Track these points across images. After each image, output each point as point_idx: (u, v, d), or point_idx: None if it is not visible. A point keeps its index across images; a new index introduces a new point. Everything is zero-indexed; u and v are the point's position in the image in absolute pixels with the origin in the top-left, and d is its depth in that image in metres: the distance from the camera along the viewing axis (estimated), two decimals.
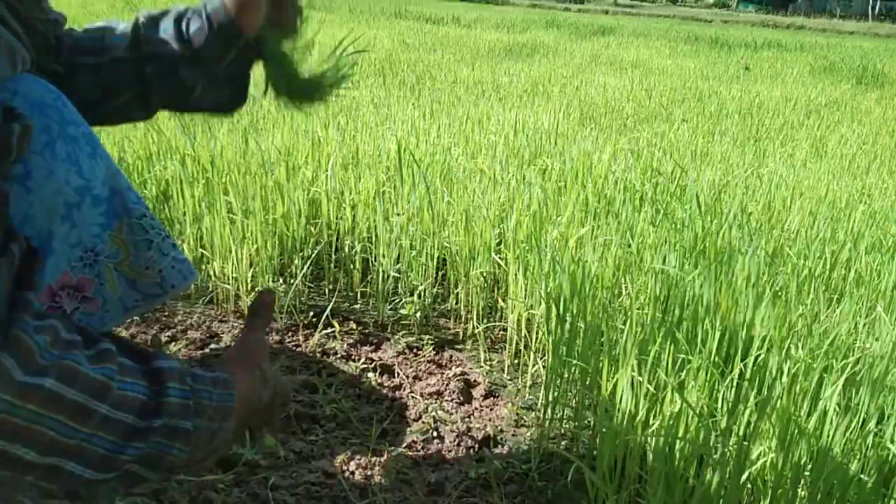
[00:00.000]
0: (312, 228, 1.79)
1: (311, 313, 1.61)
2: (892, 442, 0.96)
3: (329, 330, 1.54)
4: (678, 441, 0.94)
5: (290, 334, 1.53)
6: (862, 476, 0.91)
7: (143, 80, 0.82)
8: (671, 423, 0.96)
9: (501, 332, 1.59)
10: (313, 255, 1.68)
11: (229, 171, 1.73)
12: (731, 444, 0.93)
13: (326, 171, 1.83)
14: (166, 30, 0.82)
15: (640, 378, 1.01)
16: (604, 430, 1.06)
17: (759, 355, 1.05)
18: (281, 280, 1.69)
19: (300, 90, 0.89)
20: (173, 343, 1.46)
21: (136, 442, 0.59)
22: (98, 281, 0.73)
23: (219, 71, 0.84)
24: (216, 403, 0.65)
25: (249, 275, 1.59)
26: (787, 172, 2.37)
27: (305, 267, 1.65)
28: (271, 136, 2.10)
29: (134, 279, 0.76)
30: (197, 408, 0.62)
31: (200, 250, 1.66)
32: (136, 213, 0.74)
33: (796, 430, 0.92)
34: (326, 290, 1.74)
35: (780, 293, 1.26)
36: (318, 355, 1.47)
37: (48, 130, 0.67)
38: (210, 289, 1.63)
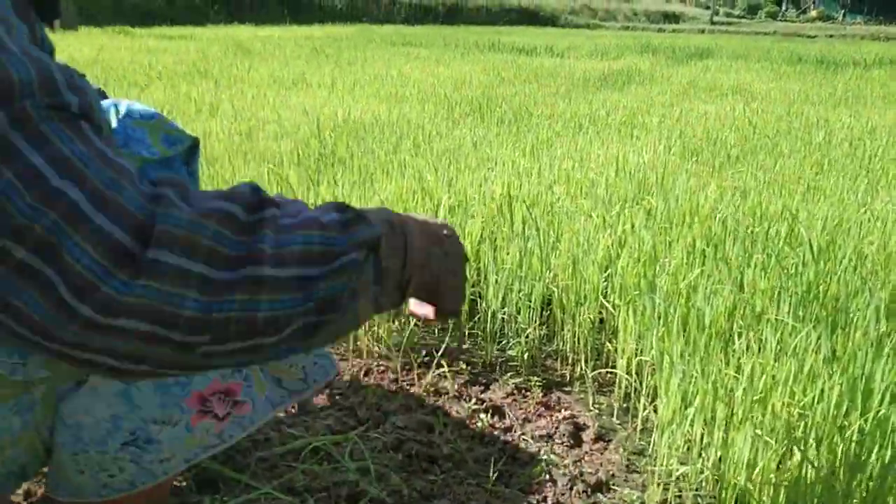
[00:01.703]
0: None
1: (424, 352, 1.69)
2: None
3: (440, 370, 1.61)
4: (799, 500, 0.95)
5: (404, 373, 1.62)
6: None
7: None
8: (792, 479, 0.97)
9: (610, 376, 1.62)
10: None
11: None
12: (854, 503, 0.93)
13: (436, 215, 1.93)
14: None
15: (759, 431, 1.03)
16: (721, 481, 1.08)
17: (879, 410, 1.05)
18: (396, 321, 1.78)
19: None
20: None
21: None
22: (247, 384, 0.79)
23: None
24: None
25: None
26: None
27: None
28: (384, 185, 2.22)
29: (279, 378, 0.82)
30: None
31: None
32: None
33: None
34: (437, 331, 1.82)
35: None
36: (432, 395, 1.54)
37: None
38: None
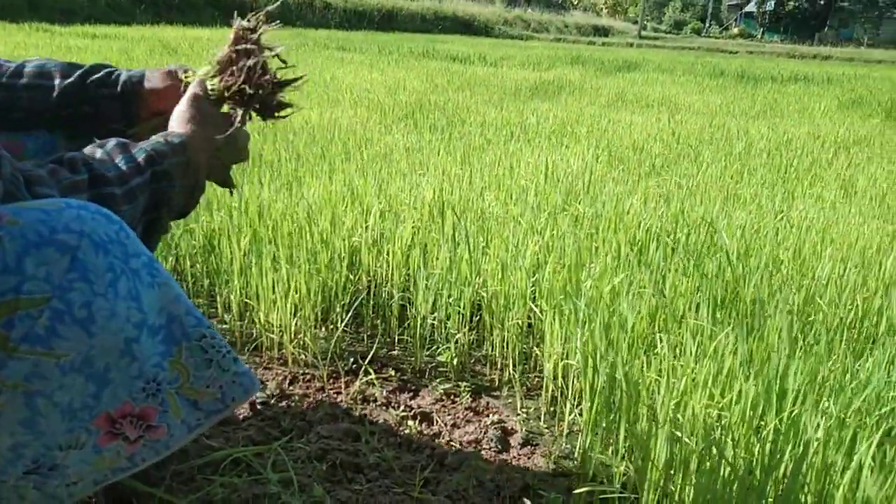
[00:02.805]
0: (352, 276, 1.85)
1: (352, 360, 1.66)
2: None
3: (368, 377, 1.58)
4: (717, 499, 0.97)
5: (331, 381, 1.59)
6: None
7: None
8: (709, 478, 0.99)
9: (537, 380, 1.62)
10: (355, 303, 1.73)
11: (275, 223, 1.80)
12: (769, 501, 0.95)
13: (366, 220, 1.90)
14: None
15: (679, 433, 1.04)
16: (643, 482, 1.09)
17: (792, 410, 1.08)
18: (323, 328, 1.74)
19: None
20: None
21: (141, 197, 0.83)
22: (162, 409, 0.75)
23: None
24: (172, 145, 0.89)
25: (293, 323, 1.65)
26: (817, 215, 2.39)
27: (347, 315, 1.71)
28: (312, 189, 2.18)
29: (196, 399, 0.78)
30: (162, 151, 0.87)
31: (246, 300, 1.72)
32: (195, 335, 0.76)
33: (832, 486, 0.94)
34: (365, 337, 1.80)
35: (812, 345, 1.29)
36: (360, 402, 1.52)
37: (112, 269, 0.68)
38: (255, 336, 1.70)
